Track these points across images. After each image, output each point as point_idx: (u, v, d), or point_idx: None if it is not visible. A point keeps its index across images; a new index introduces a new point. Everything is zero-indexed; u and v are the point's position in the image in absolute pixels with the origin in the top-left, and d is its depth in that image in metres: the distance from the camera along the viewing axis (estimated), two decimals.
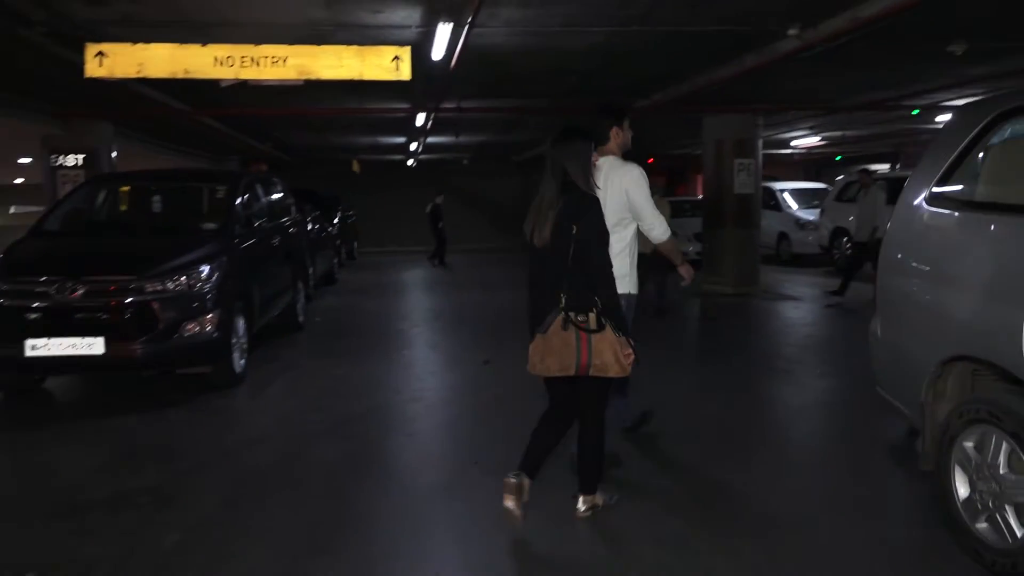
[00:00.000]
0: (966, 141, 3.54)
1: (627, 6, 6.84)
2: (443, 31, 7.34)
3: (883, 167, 23.85)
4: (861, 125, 17.36)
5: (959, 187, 3.56)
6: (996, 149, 3.45)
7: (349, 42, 7.14)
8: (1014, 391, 3.12)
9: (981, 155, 3.48)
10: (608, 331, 3.41)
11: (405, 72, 7.17)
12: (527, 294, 3.65)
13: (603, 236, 3.49)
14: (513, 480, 3.55)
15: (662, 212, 4.32)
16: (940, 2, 6.36)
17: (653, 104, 12.08)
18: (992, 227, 3.24)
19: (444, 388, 6.86)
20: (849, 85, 11.49)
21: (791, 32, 7.57)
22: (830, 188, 17.22)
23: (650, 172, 4.23)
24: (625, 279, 3.91)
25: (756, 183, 12.72)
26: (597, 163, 3.72)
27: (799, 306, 11.10)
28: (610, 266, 3.49)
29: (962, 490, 3.36)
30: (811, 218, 16.69)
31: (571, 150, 3.51)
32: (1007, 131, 3.41)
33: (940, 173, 3.64)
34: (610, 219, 3.71)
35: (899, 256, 3.82)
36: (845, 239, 15.38)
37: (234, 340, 6.47)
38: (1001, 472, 3.12)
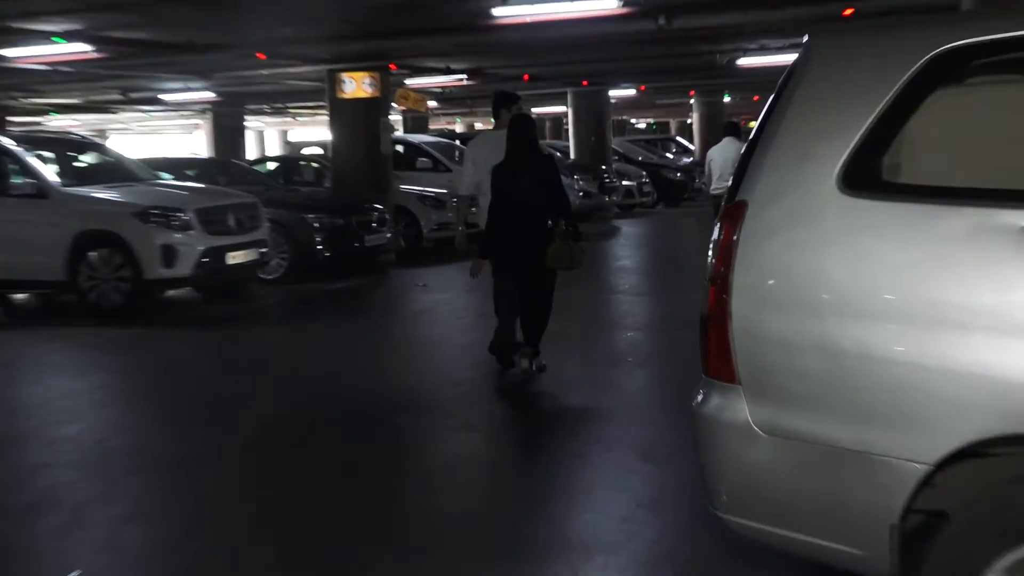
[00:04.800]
0: (896, 89, 2.14)
1: None
2: None
3: None
4: None
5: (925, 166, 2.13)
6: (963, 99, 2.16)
7: None
8: None
9: (931, 110, 2.13)
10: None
11: None
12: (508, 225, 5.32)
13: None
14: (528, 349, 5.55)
15: None
16: None
17: None
18: None
19: None
20: None
21: None
22: None
23: None
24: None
25: None
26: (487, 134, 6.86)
27: None
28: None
29: None
30: None
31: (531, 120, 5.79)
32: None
33: (858, 140, 2.15)
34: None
35: (816, 290, 2.14)
36: None
37: None
38: None
